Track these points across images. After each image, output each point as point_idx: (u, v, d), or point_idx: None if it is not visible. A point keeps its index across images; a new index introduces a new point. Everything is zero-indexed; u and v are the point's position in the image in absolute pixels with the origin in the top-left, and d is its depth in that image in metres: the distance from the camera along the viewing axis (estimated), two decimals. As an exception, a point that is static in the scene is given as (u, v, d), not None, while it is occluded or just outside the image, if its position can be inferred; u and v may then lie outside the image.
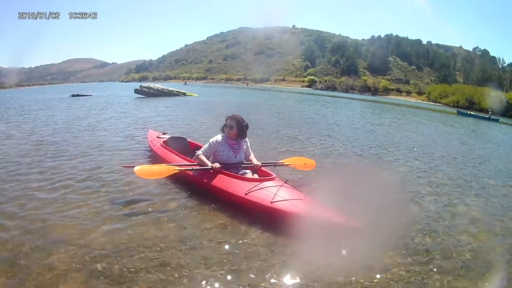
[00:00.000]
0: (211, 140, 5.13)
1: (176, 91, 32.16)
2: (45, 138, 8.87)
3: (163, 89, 31.46)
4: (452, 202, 5.66)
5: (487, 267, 3.66)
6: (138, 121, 13.08)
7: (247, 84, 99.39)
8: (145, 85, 31.64)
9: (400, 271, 3.40)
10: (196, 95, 34.19)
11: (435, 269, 3.48)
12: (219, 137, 5.15)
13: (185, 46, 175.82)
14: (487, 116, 32.67)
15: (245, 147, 5.33)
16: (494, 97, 50.38)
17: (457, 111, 39.19)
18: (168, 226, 4.01)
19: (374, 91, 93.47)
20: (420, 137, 13.52)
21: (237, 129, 5.12)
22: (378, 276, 3.29)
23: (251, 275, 3.17)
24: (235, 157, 5.16)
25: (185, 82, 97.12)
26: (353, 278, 3.21)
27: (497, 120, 31.73)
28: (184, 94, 32.50)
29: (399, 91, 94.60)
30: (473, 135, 17.40)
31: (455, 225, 4.73)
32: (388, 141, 11.59)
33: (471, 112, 36.08)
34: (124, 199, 4.76)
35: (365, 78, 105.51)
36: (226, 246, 3.63)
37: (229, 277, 3.12)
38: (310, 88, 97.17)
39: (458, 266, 3.61)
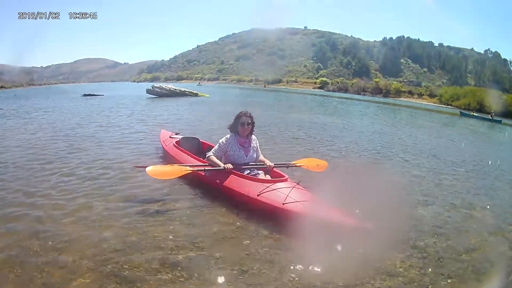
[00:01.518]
0: (220, 141, 5.15)
1: (188, 91, 32.35)
2: (55, 137, 8.96)
3: (175, 89, 31.65)
4: (461, 204, 5.63)
5: (497, 271, 3.63)
6: (150, 121, 13.17)
7: (265, 86, 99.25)
8: (157, 85, 31.90)
9: (410, 273, 3.39)
10: (207, 95, 34.33)
11: (446, 272, 3.46)
12: (228, 136, 5.16)
13: (197, 46, 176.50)
14: (490, 117, 32.40)
15: (256, 146, 5.33)
16: (497, 98, 49.77)
17: (460, 112, 39.12)
18: (179, 226, 4.02)
19: (386, 93, 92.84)
20: (427, 138, 13.45)
21: (251, 126, 5.15)
22: (389, 278, 3.27)
23: (262, 276, 3.17)
24: (246, 156, 5.16)
25: (199, 83, 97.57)
26: (364, 279, 3.20)
27: (499, 121, 31.43)
28: (196, 94, 32.67)
29: (410, 93, 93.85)
30: (476, 136, 17.37)
31: (465, 228, 4.69)
32: (397, 142, 11.55)
33: (474, 113, 35.87)
34: (135, 199, 4.79)
35: (377, 80, 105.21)
36: (237, 247, 3.64)
37: (239, 278, 3.11)
38: (322, 90, 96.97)
39: (469, 269, 3.59)
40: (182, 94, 31.38)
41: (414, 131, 16.10)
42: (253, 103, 27.43)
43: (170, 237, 3.75)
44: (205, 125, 12.64)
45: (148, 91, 30.16)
